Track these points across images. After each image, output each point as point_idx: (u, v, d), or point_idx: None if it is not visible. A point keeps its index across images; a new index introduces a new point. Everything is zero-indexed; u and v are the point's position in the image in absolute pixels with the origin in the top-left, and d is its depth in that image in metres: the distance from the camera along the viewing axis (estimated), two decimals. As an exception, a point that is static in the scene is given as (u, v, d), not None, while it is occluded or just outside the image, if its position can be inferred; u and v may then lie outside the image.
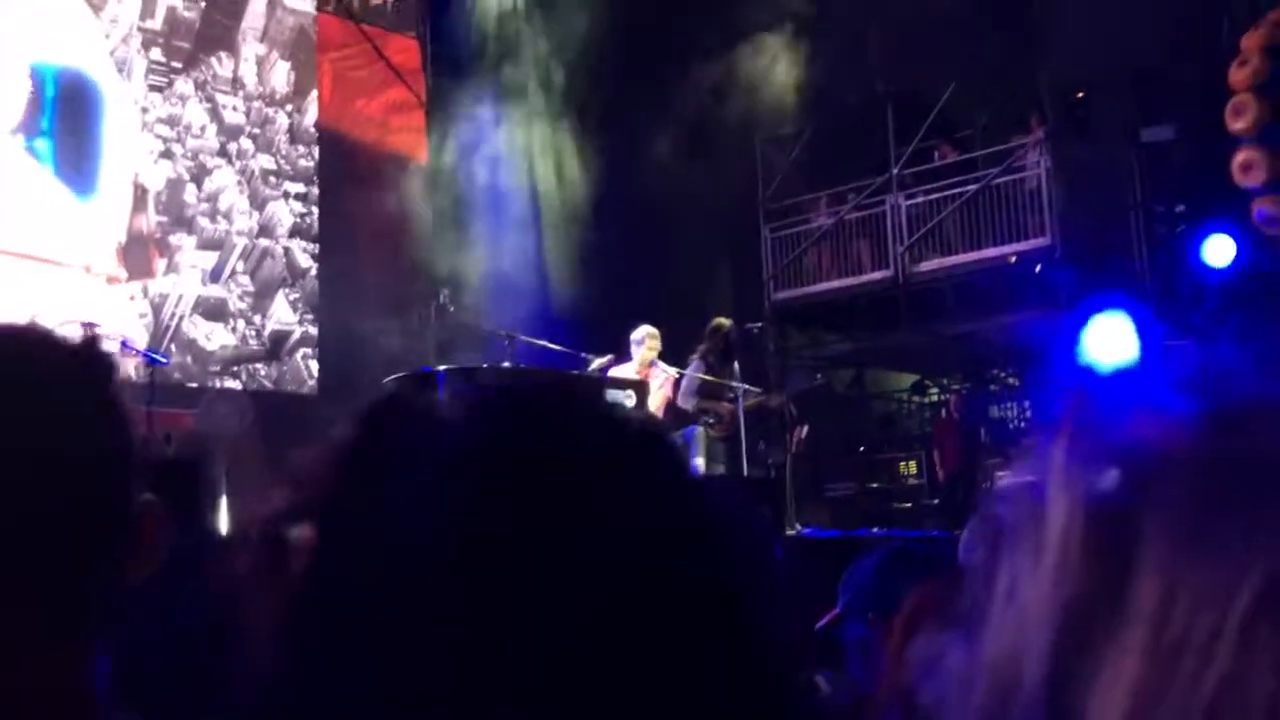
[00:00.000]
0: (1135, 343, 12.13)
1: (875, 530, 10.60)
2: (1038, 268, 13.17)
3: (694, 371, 9.93)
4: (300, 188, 13.38)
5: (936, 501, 14.19)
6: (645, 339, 9.55)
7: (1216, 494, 0.44)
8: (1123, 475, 0.47)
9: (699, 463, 9.36)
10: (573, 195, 13.89)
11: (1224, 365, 0.51)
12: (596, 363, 9.32)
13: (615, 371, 9.35)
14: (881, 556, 2.50)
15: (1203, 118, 11.68)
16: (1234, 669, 0.40)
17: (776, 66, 14.40)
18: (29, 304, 9.83)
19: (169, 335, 12.08)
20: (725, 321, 10.35)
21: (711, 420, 9.94)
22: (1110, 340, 12.39)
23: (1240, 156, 11.52)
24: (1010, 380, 16.50)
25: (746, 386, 10.10)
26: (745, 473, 9.82)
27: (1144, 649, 0.42)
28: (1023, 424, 16.25)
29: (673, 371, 9.72)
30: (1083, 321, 12.49)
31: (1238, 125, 11.44)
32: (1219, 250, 12.14)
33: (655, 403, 9.30)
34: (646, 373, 9.46)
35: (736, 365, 10.04)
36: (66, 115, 11.46)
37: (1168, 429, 0.47)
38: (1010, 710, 0.44)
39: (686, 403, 9.86)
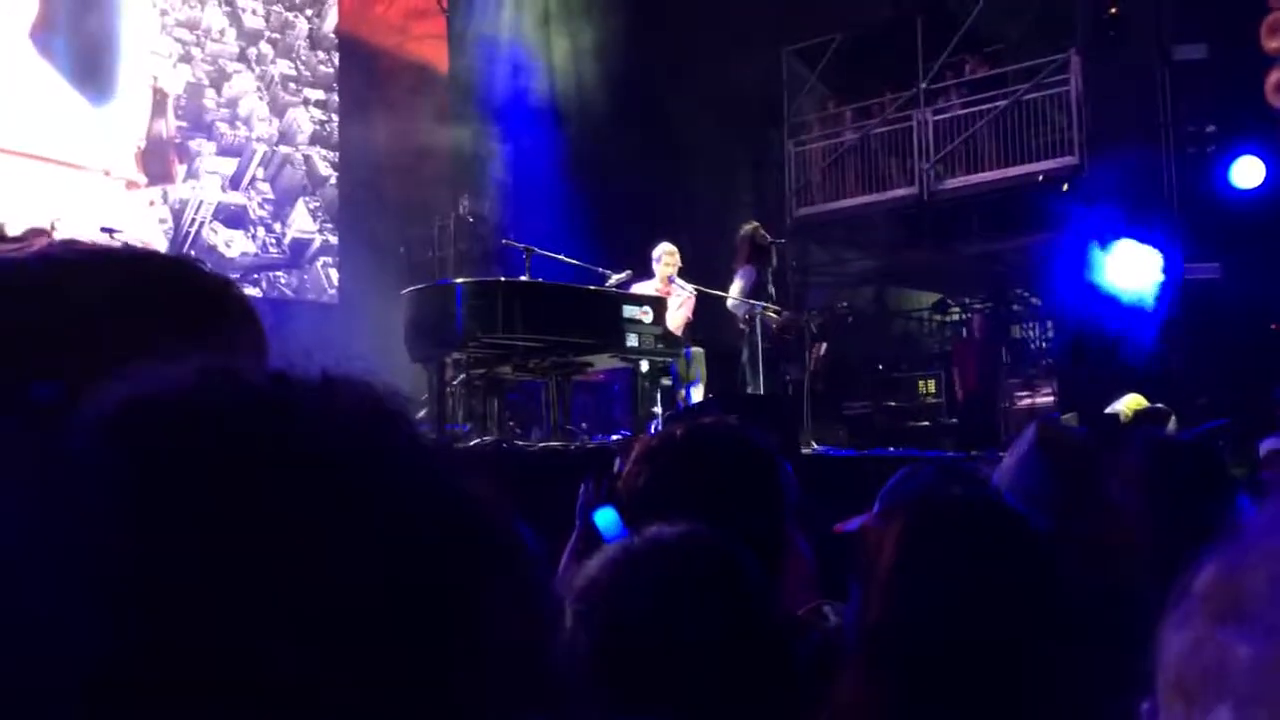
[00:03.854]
0: (1158, 268, 12.01)
1: (891, 450, 10.59)
2: (1064, 187, 13.01)
3: (745, 279, 10.04)
4: (320, 94, 13.26)
5: (954, 421, 14.16)
6: (663, 256, 9.53)
7: None
8: None
9: (698, 386, 9.40)
10: (595, 106, 13.71)
11: None
12: (615, 278, 9.25)
13: (635, 288, 9.29)
14: (928, 474, 2.45)
15: (1236, 36, 11.44)
16: None
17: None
18: (50, 207, 9.80)
19: (189, 241, 12.06)
20: (757, 226, 10.62)
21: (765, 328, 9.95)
22: (1133, 265, 12.28)
23: (1274, 76, 11.31)
24: (1033, 301, 16.39)
25: (765, 305, 10.07)
26: (761, 390, 9.80)
27: None
28: (1044, 344, 16.18)
29: (691, 289, 9.67)
30: (1106, 244, 12.36)
31: (1272, 44, 11.22)
32: (1248, 172, 11.97)
33: (675, 321, 9.24)
34: (667, 290, 9.41)
35: (770, 273, 10.27)
36: (83, 17, 11.34)
37: None
38: None
39: (739, 309, 9.97)
